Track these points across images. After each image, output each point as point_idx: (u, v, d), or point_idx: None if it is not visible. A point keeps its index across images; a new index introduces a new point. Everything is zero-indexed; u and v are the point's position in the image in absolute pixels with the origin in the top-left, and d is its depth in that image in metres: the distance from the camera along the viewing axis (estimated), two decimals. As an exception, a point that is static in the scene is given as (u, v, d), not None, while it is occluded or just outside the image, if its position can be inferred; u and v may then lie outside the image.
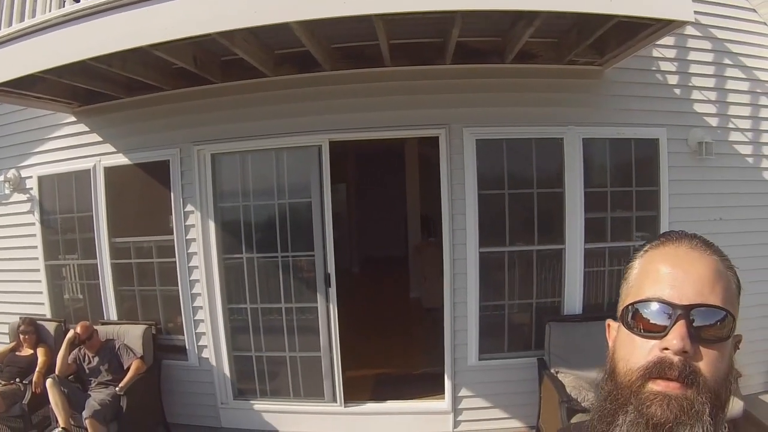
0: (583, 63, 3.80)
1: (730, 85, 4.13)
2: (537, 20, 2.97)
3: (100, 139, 4.25)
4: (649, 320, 0.66)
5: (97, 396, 3.65)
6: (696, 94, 4.07)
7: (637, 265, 0.72)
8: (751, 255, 4.11)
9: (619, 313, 0.70)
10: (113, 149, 4.21)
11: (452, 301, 3.87)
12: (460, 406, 3.95)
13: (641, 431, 0.62)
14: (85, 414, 3.48)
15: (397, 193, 8.45)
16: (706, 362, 0.63)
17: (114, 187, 4.24)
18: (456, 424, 3.96)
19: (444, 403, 3.97)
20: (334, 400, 4.01)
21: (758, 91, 4.19)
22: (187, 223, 4.05)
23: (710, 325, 0.64)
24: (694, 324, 0.63)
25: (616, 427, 0.64)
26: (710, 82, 4.09)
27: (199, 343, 4.14)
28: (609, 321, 0.75)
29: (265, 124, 3.90)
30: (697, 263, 0.67)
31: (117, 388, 3.69)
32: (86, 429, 3.50)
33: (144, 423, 3.96)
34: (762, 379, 4.34)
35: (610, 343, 0.73)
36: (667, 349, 0.63)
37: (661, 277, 0.67)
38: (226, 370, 4.13)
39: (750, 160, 4.19)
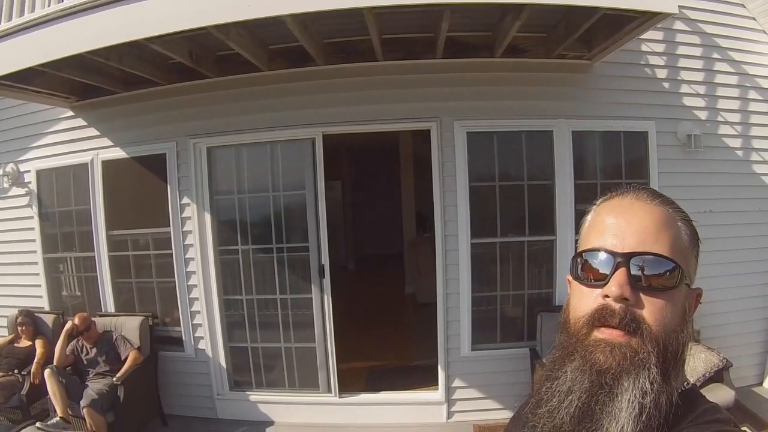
0: (572, 57, 3.86)
1: (719, 79, 4.18)
2: (524, 13, 3.02)
3: (98, 133, 4.31)
4: (593, 270, 0.68)
5: (94, 386, 3.68)
6: (685, 88, 4.11)
7: (587, 220, 0.75)
8: (741, 247, 4.16)
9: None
10: (110, 143, 4.27)
11: (445, 292, 3.91)
12: (453, 397, 3.99)
13: (586, 378, 0.63)
14: (82, 403, 3.51)
15: (392, 191, 8.51)
16: (651, 311, 0.64)
17: (111, 181, 4.29)
18: (449, 414, 3.99)
19: (437, 394, 4.01)
20: (329, 391, 4.05)
21: (747, 85, 4.24)
22: (183, 216, 4.10)
23: (657, 275, 0.65)
24: (641, 272, 0.65)
25: (563, 374, 0.66)
26: (699, 76, 4.14)
27: (196, 335, 4.18)
28: (569, 276, 0.76)
29: (260, 117, 3.96)
30: (641, 213, 0.68)
31: (114, 378, 3.73)
32: (84, 419, 3.54)
33: (141, 413, 3.99)
34: (755, 371, 4.36)
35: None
36: (608, 296, 0.65)
37: (605, 227, 0.69)
38: (222, 362, 4.17)
39: (739, 153, 4.23)
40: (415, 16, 3.42)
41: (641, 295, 0.65)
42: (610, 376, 0.62)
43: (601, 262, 0.67)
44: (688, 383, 0.70)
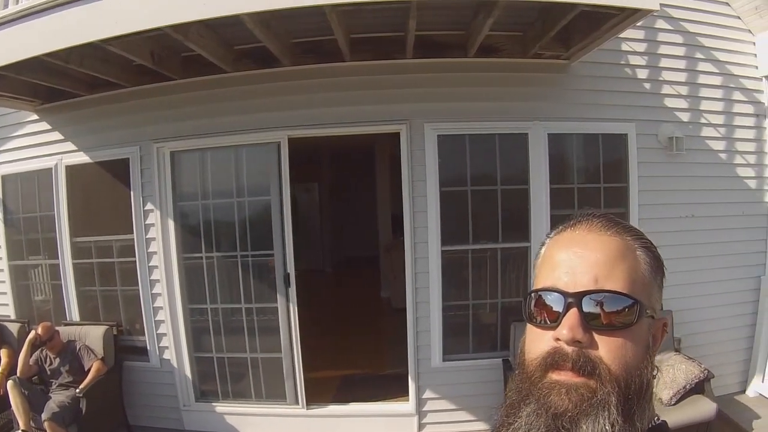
0: (548, 57, 3.73)
1: (702, 79, 4.05)
2: (496, 10, 2.89)
3: (62, 137, 4.19)
4: (545, 309, 0.63)
5: (56, 398, 3.60)
6: (667, 89, 3.98)
7: (540, 254, 0.70)
8: (722, 253, 4.04)
9: None
10: (74, 147, 4.15)
11: (415, 301, 3.80)
12: (424, 409, 3.87)
13: (542, 422, 0.60)
14: (43, 416, 3.44)
15: (370, 193, 8.34)
16: (608, 350, 0.60)
17: (75, 186, 4.18)
18: (421, 426, 3.88)
19: (408, 406, 3.89)
20: (296, 402, 3.93)
21: (731, 85, 4.11)
22: (147, 222, 3.99)
23: (613, 312, 0.61)
24: (597, 308, 0.60)
25: (519, 419, 0.62)
26: (681, 77, 4.01)
27: (161, 344, 4.07)
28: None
29: (224, 120, 3.83)
30: (593, 245, 0.64)
31: (77, 390, 3.63)
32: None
33: (105, 425, 3.90)
34: (737, 378, 4.25)
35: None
36: (559, 339, 0.61)
37: (556, 264, 0.65)
38: (188, 372, 4.06)
39: (723, 155, 4.10)
40: (383, 15, 3.28)
41: (597, 334, 0.61)
42: (567, 419, 0.58)
43: (552, 301, 0.63)
44: (657, 418, 0.66)
